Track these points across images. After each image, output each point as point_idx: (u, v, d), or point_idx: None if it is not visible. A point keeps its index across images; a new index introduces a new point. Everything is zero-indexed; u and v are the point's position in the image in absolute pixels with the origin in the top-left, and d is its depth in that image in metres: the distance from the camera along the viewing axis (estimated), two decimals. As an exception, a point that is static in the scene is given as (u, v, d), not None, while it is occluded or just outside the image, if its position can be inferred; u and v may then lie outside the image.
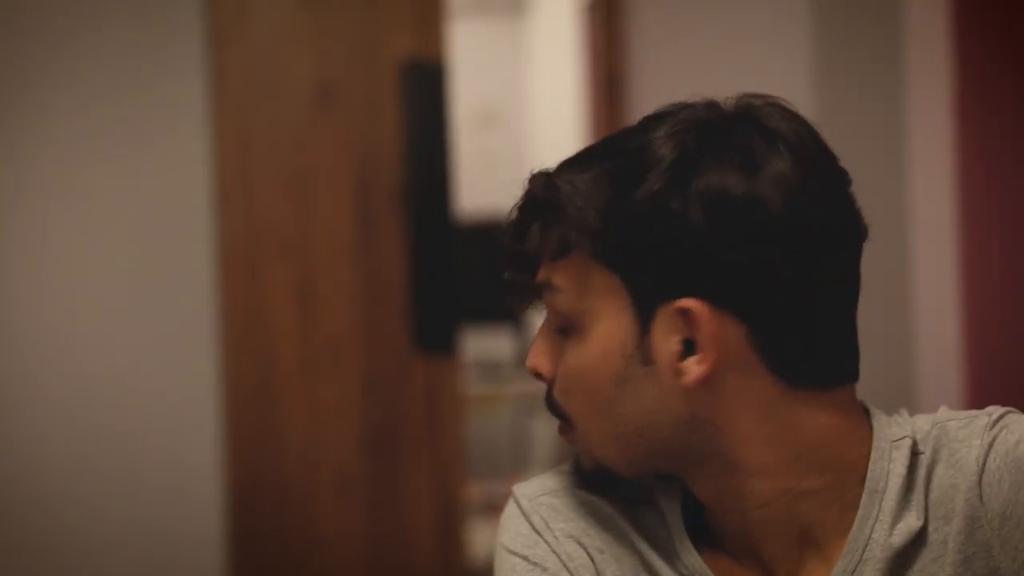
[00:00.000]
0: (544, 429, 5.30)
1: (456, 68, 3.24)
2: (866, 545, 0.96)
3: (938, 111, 2.64)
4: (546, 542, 1.02)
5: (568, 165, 1.00)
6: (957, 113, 2.60)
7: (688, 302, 0.93)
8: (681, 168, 0.94)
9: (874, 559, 0.96)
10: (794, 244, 0.94)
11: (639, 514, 1.03)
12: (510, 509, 1.05)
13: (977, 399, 2.63)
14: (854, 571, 0.96)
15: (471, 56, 5.01)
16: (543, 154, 5.91)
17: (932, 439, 0.98)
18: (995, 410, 0.98)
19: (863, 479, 0.97)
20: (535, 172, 1.01)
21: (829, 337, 0.98)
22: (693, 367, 0.95)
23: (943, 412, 1.01)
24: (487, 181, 5.74)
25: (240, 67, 3.15)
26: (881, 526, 0.96)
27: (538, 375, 1.03)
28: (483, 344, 5.31)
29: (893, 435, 0.99)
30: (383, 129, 3.19)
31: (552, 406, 1.03)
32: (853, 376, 1.00)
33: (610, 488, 1.03)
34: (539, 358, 1.03)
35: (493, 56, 6.05)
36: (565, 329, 1.00)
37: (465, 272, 3.32)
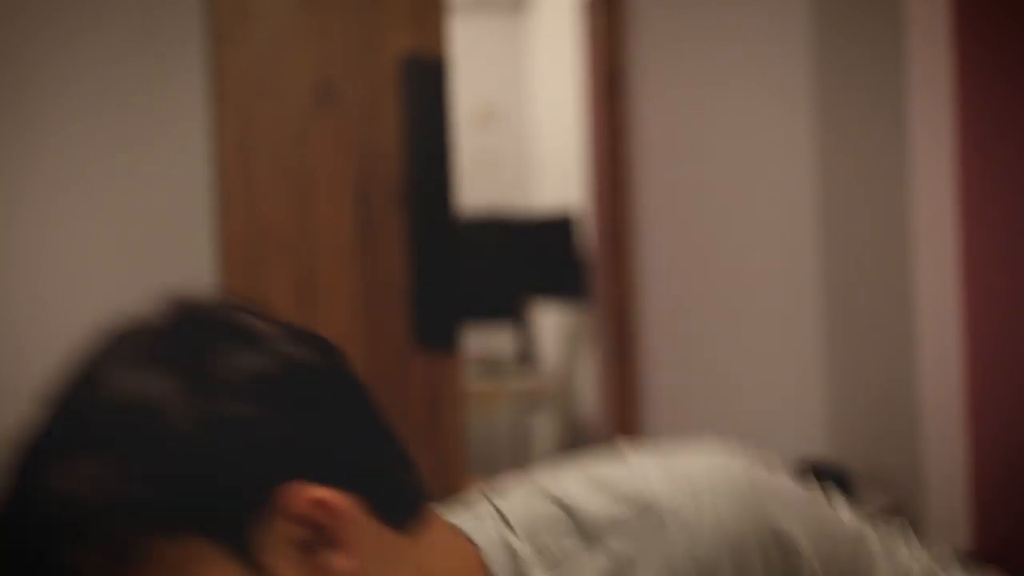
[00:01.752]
0: (545, 426, 5.31)
1: (456, 66, 3.24)
2: None
3: (938, 110, 2.64)
4: None
5: (36, 462, 0.79)
6: (957, 112, 2.60)
7: (316, 492, 0.78)
8: (191, 382, 0.79)
9: None
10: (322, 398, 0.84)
11: None
12: None
13: (977, 399, 2.63)
14: None
15: (471, 54, 5.01)
16: (543, 153, 5.91)
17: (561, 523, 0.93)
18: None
19: None
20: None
21: (399, 464, 0.89)
22: (343, 564, 0.79)
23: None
24: (487, 180, 5.75)
25: (240, 67, 3.15)
26: None
27: None
28: (484, 340, 5.31)
29: (493, 540, 0.93)
30: (383, 128, 3.19)
31: None
32: (425, 494, 0.91)
33: None
34: None
35: (493, 54, 6.04)
36: None
37: (466, 270, 3.32)
